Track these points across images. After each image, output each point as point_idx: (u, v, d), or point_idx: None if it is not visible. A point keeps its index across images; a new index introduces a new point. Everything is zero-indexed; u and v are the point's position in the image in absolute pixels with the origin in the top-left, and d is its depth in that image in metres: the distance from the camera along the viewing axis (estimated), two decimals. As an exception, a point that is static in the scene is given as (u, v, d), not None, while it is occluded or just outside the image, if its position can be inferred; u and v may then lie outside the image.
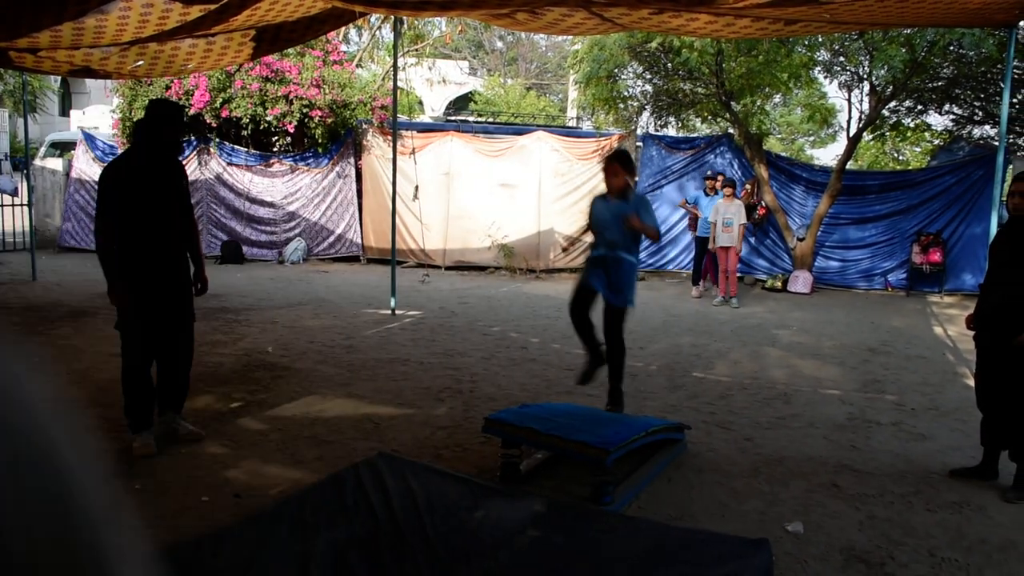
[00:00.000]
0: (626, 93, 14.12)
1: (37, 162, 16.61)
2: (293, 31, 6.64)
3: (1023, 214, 4.51)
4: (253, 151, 14.72)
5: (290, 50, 13.74)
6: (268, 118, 13.86)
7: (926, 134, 15.67)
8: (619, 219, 5.32)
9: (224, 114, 13.89)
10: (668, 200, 14.05)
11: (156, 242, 4.73)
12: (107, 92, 16.22)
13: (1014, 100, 12.27)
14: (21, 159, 16.44)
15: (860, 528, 4.02)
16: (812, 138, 28.66)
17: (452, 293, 11.66)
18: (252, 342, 7.87)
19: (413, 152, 14.15)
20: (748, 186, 13.07)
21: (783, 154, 19.27)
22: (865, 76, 12.63)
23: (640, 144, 14.35)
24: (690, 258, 13.90)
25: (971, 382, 5.39)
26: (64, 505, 0.45)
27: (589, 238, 5.68)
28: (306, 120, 13.99)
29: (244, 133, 14.27)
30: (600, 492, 4.10)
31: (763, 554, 3.37)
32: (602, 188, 5.59)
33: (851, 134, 13.23)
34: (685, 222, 13.85)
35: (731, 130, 13.70)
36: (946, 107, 13.42)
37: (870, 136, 14.46)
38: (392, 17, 12.80)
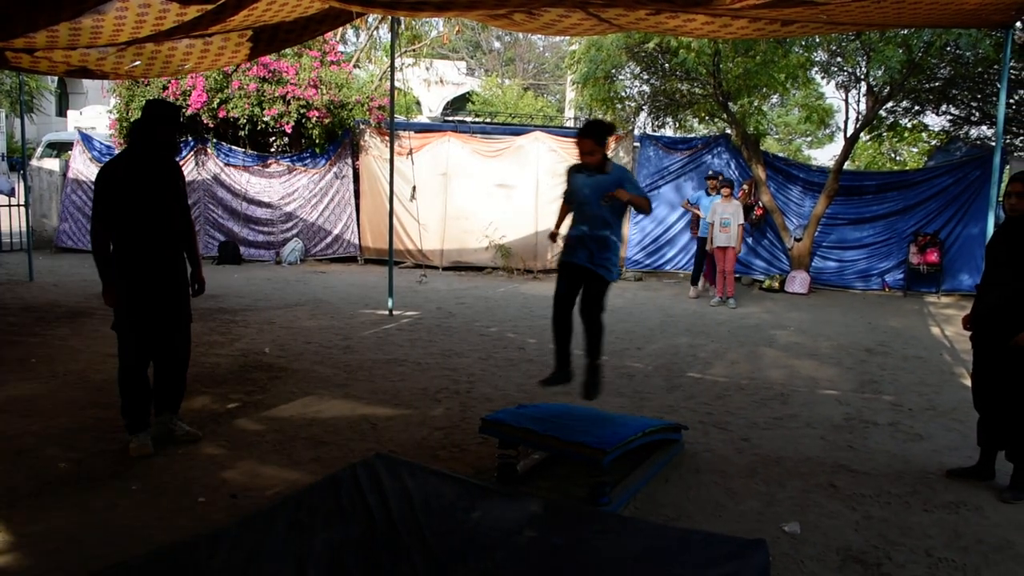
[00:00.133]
0: (623, 93, 14.12)
1: (34, 162, 16.59)
2: (290, 31, 6.64)
3: (1020, 214, 4.51)
4: (250, 151, 14.70)
5: (287, 50, 13.74)
6: (265, 118, 13.85)
7: (923, 135, 15.68)
8: (600, 194, 4.95)
9: (221, 114, 13.88)
10: (665, 200, 14.05)
11: (153, 243, 4.73)
12: (104, 92, 16.24)
13: (1011, 100, 12.30)
14: (18, 159, 16.43)
15: (857, 528, 4.03)
16: (809, 138, 28.70)
17: (449, 293, 11.65)
18: (249, 343, 7.86)
19: (410, 152, 14.14)
20: (745, 186, 13.07)
21: (780, 154, 19.28)
22: (862, 77, 12.64)
23: (637, 144, 14.35)
24: (687, 258, 13.92)
25: (968, 382, 5.39)
26: None
27: None
28: (303, 120, 13.98)
29: (241, 133, 14.25)
30: (597, 493, 4.10)
31: (760, 554, 3.37)
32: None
33: (848, 135, 13.24)
34: (683, 222, 13.87)
35: (728, 130, 13.70)
36: (943, 108, 13.44)
37: (867, 136, 14.48)
38: (389, 17, 12.81)
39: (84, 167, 15.13)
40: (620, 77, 13.95)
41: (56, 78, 29.27)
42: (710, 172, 12.73)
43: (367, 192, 14.72)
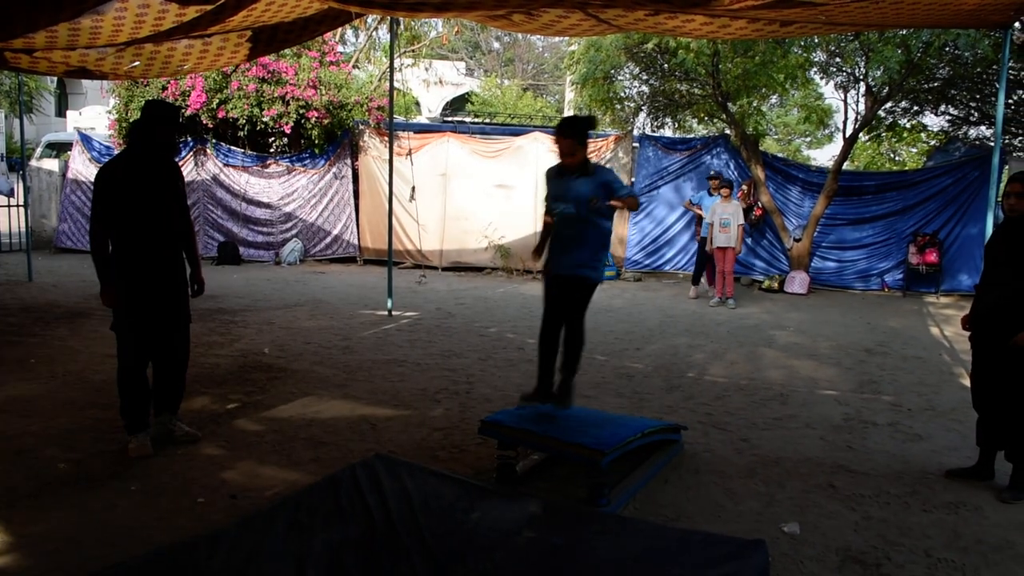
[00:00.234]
0: (623, 94, 14.13)
1: (33, 163, 16.58)
2: (289, 32, 6.64)
3: (1019, 214, 4.51)
4: (250, 152, 14.71)
5: (287, 51, 13.75)
6: (265, 119, 13.86)
7: (922, 135, 15.69)
8: (586, 199, 4.57)
9: (221, 115, 13.88)
10: (665, 201, 14.05)
11: (152, 243, 4.73)
12: (103, 93, 16.24)
13: (1009, 101, 12.31)
14: (17, 160, 16.43)
15: (856, 529, 4.03)
16: (809, 139, 28.70)
17: (449, 294, 11.65)
18: (248, 343, 7.86)
19: (410, 153, 14.14)
20: (744, 187, 13.08)
21: (780, 155, 19.29)
22: (861, 77, 12.65)
23: (636, 145, 14.35)
24: (686, 259, 13.93)
25: (967, 382, 5.39)
26: None
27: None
28: (303, 121, 13.99)
29: (241, 134, 14.26)
30: (596, 493, 4.10)
31: (759, 555, 3.37)
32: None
33: (847, 135, 13.24)
34: (682, 222, 13.87)
35: (727, 131, 13.71)
36: (942, 108, 13.45)
37: (866, 137, 14.49)
38: (388, 18, 12.81)
39: (83, 167, 15.13)
40: (619, 78, 13.96)
41: (55, 78, 29.27)
42: (712, 172, 12.73)
43: (366, 192, 14.72)
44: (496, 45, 41.02)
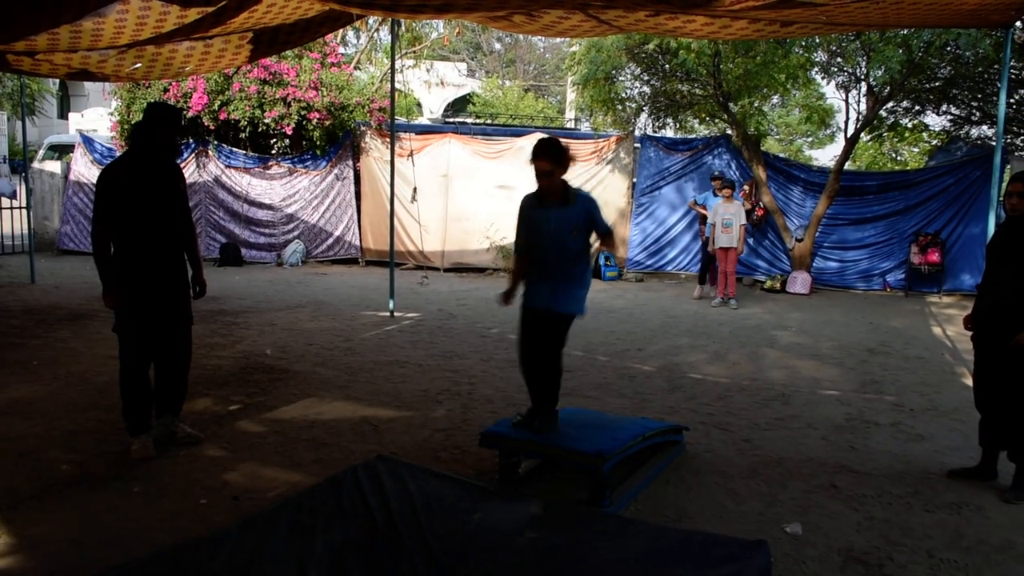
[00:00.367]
0: (624, 94, 14.12)
1: (36, 165, 16.61)
2: (291, 33, 6.65)
3: (1020, 214, 4.51)
4: (251, 153, 14.72)
5: (288, 52, 13.75)
6: (266, 120, 13.87)
7: (924, 134, 15.68)
8: (565, 231, 4.38)
9: (222, 116, 13.90)
10: (666, 201, 14.05)
11: (154, 245, 4.73)
12: (105, 95, 16.24)
13: (1011, 100, 12.29)
14: (20, 162, 16.41)
15: (858, 529, 4.02)
16: (810, 139, 28.66)
17: (451, 295, 11.66)
18: (250, 344, 7.86)
19: (411, 154, 14.16)
20: (746, 187, 13.07)
21: (781, 155, 19.28)
22: (862, 77, 12.64)
23: (638, 145, 14.36)
24: (688, 259, 13.93)
25: (970, 382, 5.39)
26: None
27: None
28: (304, 122, 14.00)
29: (242, 135, 14.28)
30: (598, 494, 4.10)
31: (762, 555, 3.37)
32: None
33: (849, 135, 13.23)
34: (684, 223, 13.87)
35: (729, 131, 13.70)
36: (943, 107, 13.43)
37: (868, 137, 14.47)
38: (390, 19, 12.81)
39: (85, 169, 15.15)
40: (620, 78, 13.95)
41: (57, 80, 29.32)
42: (716, 172, 12.72)
43: (368, 194, 14.73)
44: (497, 46, 41.03)
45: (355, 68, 18.12)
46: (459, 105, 32.87)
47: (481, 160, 14.31)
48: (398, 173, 12.90)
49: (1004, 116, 7.40)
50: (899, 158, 20.49)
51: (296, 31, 6.59)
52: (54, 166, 16.28)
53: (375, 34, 19.84)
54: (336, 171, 14.73)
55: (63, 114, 32.31)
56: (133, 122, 12.85)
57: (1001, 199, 5.30)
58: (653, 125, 15.00)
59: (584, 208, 4.43)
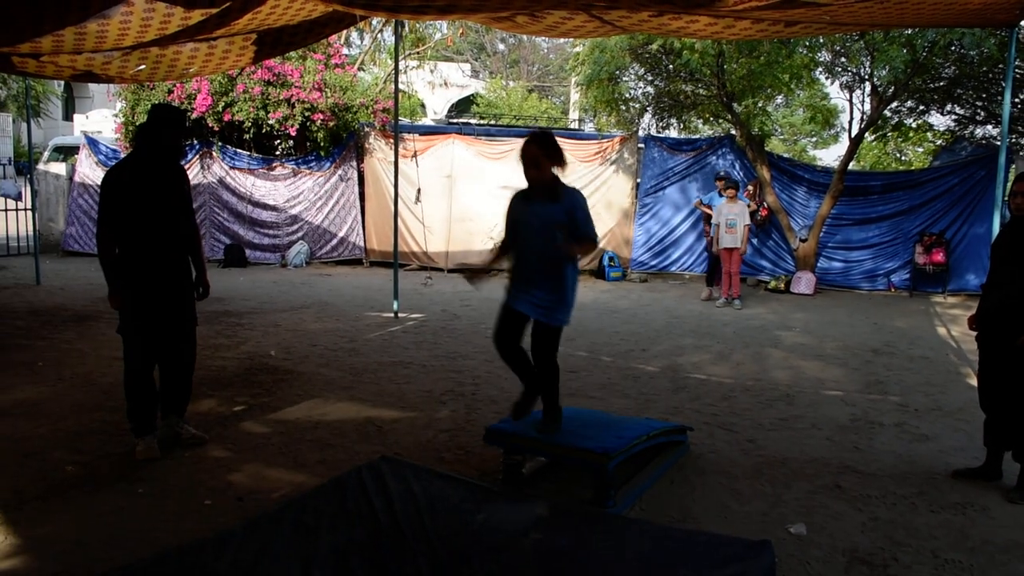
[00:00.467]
0: (628, 95, 14.12)
1: (41, 166, 16.65)
2: (294, 35, 6.66)
3: (1025, 214, 4.50)
4: (255, 155, 14.75)
5: (292, 53, 13.77)
6: (270, 122, 13.89)
7: (928, 134, 15.64)
8: (549, 228, 4.17)
9: (226, 118, 13.92)
10: (670, 202, 14.04)
11: (158, 246, 4.74)
12: (110, 96, 16.25)
13: (1016, 100, 12.25)
14: (25, 164, 16.47)
15: (863, 529, 4.02)
16: (815, 139, 28.63)
17: (454, 296, 11.66)
18: (255, 346, 7.88)
19: (415, 155, 14.16)
20: (750, 187, 13.05)
21: (785, 155, 19.26)
22: (867, 77, 12.62)
23: (642, 146, 14.35)
24: (693, 259, 13.92)
25: (974, 382, 5.38)
26: None
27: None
28: (308, 123, 14.01)
29: (246, 137, 14.30)
30: (603, 495, 4.10)
31: (766, 556, 3.37)
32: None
33: (853, 135, 13.21)
34: (688, 223, 13.86)
35: (733, 131, 13.69)
36: (948, 107, 13.39)
37: (872, 137, 14.44)
38: (393, 20, 12.83)
39: (90, 171, 15.19)
40: (624, 79, 13.95)
41: (62, 82, 29.41)
42: (721, 173, 12.71)
43: (372, 195, 14.74)
44: (501, 47, 41.08)
45: (359, 69, 18.14)
46: (463, 106, 32.92)
47: (485, 161, 14.31)
48: (402, 174, 12.90)
49: (1009, 115, 7.38)
50: (903, 158, 20.46)
51: (300, 32, 6.60)
52: (59, 168, 16.32)
53: (379, 35, 19.88)
54: (340, 172, 14.75)
55: (68, 116, 32.40)
56: (138, 124, 12.89)
57: (1006, 199, 5.29)
58: (657, 125, 14.99)
59: (570, 204, 4.25)
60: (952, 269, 12.55)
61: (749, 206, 11.83)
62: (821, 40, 11.87)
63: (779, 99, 16.27)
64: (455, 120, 25.35)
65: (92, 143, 15.61)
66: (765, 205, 13.11)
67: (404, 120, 19.21)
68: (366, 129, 14.63)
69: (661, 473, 4.67)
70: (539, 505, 3.93)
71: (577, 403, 5.99)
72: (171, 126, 4.73)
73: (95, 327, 8.55)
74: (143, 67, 7.17)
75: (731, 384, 6.91)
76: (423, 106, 29.10)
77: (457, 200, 14.40)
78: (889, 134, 14.38)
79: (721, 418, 5.88)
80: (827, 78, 13.60)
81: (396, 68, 10.60)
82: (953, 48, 11.29)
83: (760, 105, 12.86)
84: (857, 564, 3.65)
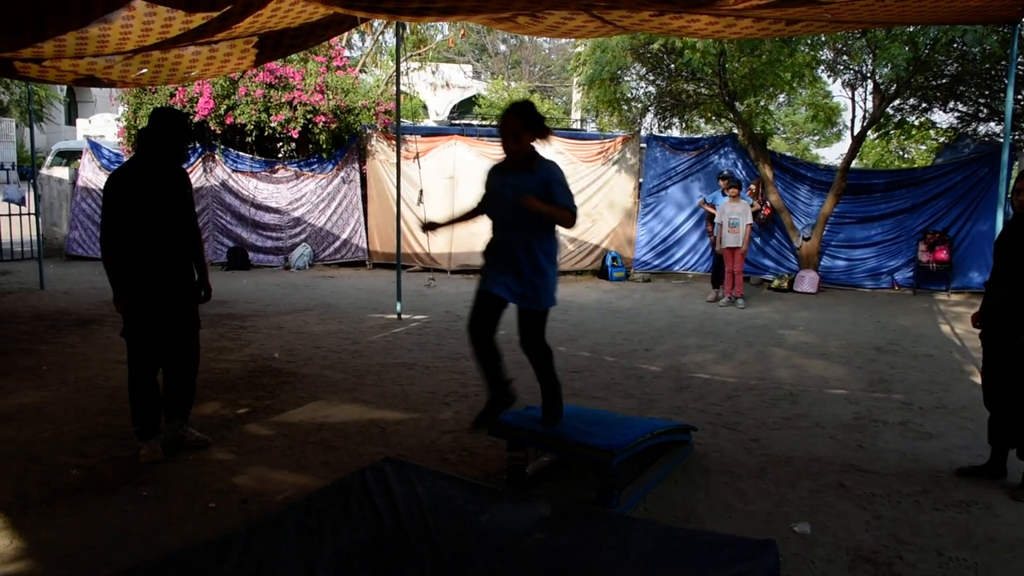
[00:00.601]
0: (629, 95, 14.13)
1: (44, 171, 16.68)
2: (296, 37, 6.67)
3: (1028, 211, 4.50)
4: (258, 157, 14.76)
5: (293, 56, 13.79)
6: (272, 124, 13.90)
7: (931, 132, 15.62)
8: (520, 202, 3.96)
9: (228, 121, 13.93)
10: (673, 201, 14.04)
11: (160, 250, 4.75)
12: (112, 100, 16.29)
13: (1018, 96, 12.24)
14: (28, 168, 16.50)
15: (867, 528, 4.01)
16: (817, 137, 28.59)
17: (458, 297, 11.66)
18: (258, 348, 7.89)
19: (417, 156, 14.17)
20: (753, 186, 13.04)
21: (788, 154, 19.21)
22: (869, 74, 12.61)
23: (644, 145, 14.34)
24: (696, 259, 13.91)
25: (978, 380, 5.37)
26: None
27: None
28: (310, 126, 14.02)
29: (249, 139, 14.31)
30: (606, 494, 4.10)
31: (770, 555, 3.36)
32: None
33: (855, 133, 13.19)
34: (691, 222, 13.85)
35: (735, 130, 13.68)
36: (951, 104, 13.37)
37: (875, 135, 14.43)
38: (394, 22, 12.84)
39: (93, 175, 15.21)
40: (626, 78, 13.97)
41: (65, 87, 29.48)
42: (725, 171, 12.69)
43: (374, 196, 14.75)
44: (503, 48, 41.09)
45: (360, 71, 18.15)
46: (465, 107, 32.93)
47: (487, 162, 14.11)
48: (404, 175, 12.91)
49: (1011, 112, 7.37)
50: (906, 156, 20.42)
51: (301, 35, 6.61)
52: (62, 172, 16.35)
53: (380, 37, 19.88)
54: (342, 174, 14.76)
55: (71, 120, 32.49)
56: (140, 127, 12.90)
57: (1009, 196, 5.28)
58: (659, 125, 15.00)
59: (545, 175, 4.05)
60: (955, 267, 12.53)
61: (752, 205, 11.82)
62: (823, 38, 11.87)
63: (781, 98, 16.29)
64: (457, 121, 25.36)
65: (95, 147, 15.63)
66: (768, 204, 13.10)
67: (406, 122, 19.23)
68: (368, 131, 14.64)
69: (665, 473, 4.67)
70: (543, 505, 3.92)
71: (580, 403, 6.00)
72: (172, 130, 4.74)
73: (99, 331, 8.56)
74: (145, 71, 7.18)
75: (735, 383, 6.90)
76: (425, 107, 29.12)
77: (459, 201, 14.38)
78: (892, 132, 14.37)
79: (725, 417, 5.87)
80: (829, 76, 13.60)
81: (398, 70, 10.61)
82: (955, 45, 11.28)
83: (762, 104, 12.86)
84: (861, 562, 3.64)
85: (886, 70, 11.60)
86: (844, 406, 6.25)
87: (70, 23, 5.05)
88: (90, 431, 5.28)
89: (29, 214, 14.18)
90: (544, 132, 4.14)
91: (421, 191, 14.25)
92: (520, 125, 4.06)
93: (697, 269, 13.88)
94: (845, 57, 12.78)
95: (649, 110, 14.65)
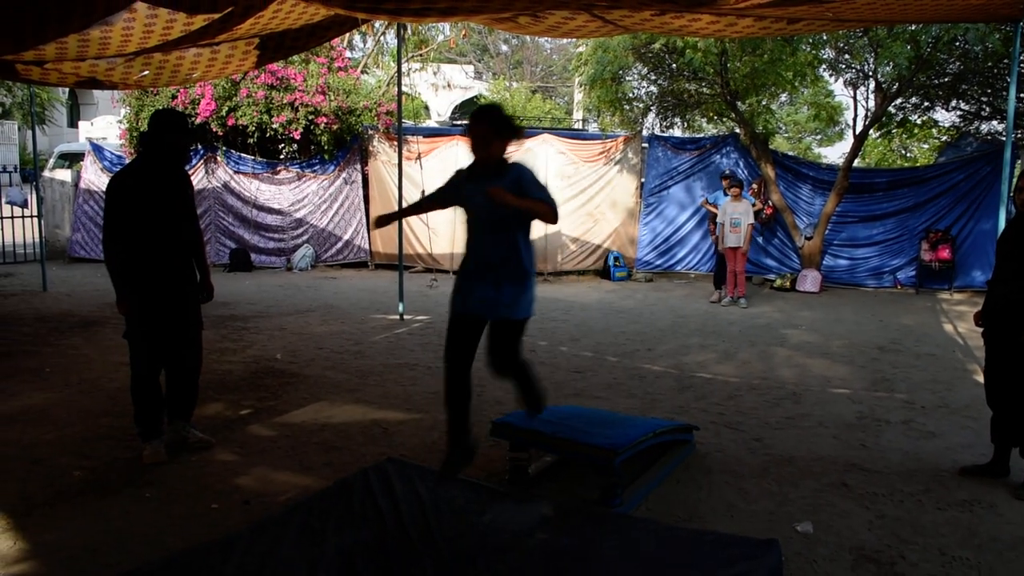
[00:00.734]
0: (631, 94, 14.11)
1: (46, 173, 16.70)
2: (297, 38, 6.66)
3: (1030, 209, 4.49)
4: (260, 159, 14.77)
5: (295, 57, 13.79)
6: (274, 126, 13.91)
7: (933, 130, 15.60)
8: (499, 208, 3.73)
9: (230, 122, 13.95)
10: (675, 201, 14.03)
11: (162, 251, 4.76)
12: (114, 102, 16.32)
13: (1021, 95, 12.19)
14: (30, 171, 16.54)
15: (870, 527, 4.01)
16: (819, 136, 28.59)
17: (460, 297, 11.64)
18: (261, 349, 7.89)
19: (419, 157, 14.18)
20: (755, 185, 13.03)
21: (790, 153, 19.21)
22: (871, 73, 12.60)
23: (646, 145, 14.34)
24: (699, 258, 13.91)
25: (981, 379, 5.36)
26: None
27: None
28: (312, 127, 14.04)
29: (250, 141, 14.32)
30: (609, 494, 4.10)
31: (773, 555, 3.36)
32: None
33: (858, 132, 13.18)
34: (693, 222, 13.85)
35: (737, 130, 13.67)
36: (953, 103, 13.35)
37: (877, 133, 14.41)
38: (395, 23, 12.84)
39: (95, 177, 15.23)
40: (627, 78, 13.95)
41: (67, 89, 29.52)
42: (727, 171, 12.68)
43: (376, 197, 14.76)
44: (504, 48, 41.10)
45: (362, 72, 18.16)
46: (466, 107, 32.89)
47: (489, 162, 14.29)
48: (406, 176, 12.92)
49: (1014, 111, 7.36)
50: (908, 155, 20.40)
51: (302, 36, 6.60)
52: (64, 175, 16.38)
53: (381, 38, 19.89)
54: (344, 175, 14.77)
55: (73, 123, 32.56)
56: (142, 130, 12.93)
57: (1011, 194, 5.27)
58: (661, 125, 14.99)
59: (516, 175, 3.79)
60: (958, 266, 12.50)
61: (754, 205, 11.81)
62: (824, 37, 11.86)
63: (783, 97, 16.26)
64: (459, 122, 25.35)
65: (97, 149, 15.66)
66: (770, 203, 13.10)
67: (408, 122, 19.23)
68: (370, 132, 14.65)
69: (667, 472, 4.66)
70: (545, 505, 3.93)
71: (582, 403, 6.00)
72: (173, 131, 4.74)
73: (101, 333, 8.57)
74: (146, 73, 7.19)
75: (737, 383, 6.90)
76: (427, 108, 29.13)
77: (461, 202, 14.38)
78: (894, 131, 14.35)
79: (727, 417, 5.87)
80: (831, 75, 13.58)
81: (399, 70, 10.62)
82: (957, 44, 11.27)
83: (764, 103, 12.84)
84: (864, 562, 3.64)
85: (888, 69, 11.58)
86: (847, 405, 6.24)
87: (71, 25, 5.05)
88: (93, 433, 5.29)
89: (31, 216, 14.20)
90: (516, 134, 3.95)
91: (423, 192, 14.23)
92: (490, 131, 3.85)
93: (699, 269, 13.88)
94: (847, 56, 12.77)
95: (651, 110, 14.64)
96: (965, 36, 10.55)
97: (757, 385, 6.83)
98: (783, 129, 25.91)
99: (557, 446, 4.40)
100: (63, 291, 11.64)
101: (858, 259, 13.29)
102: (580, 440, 4.24)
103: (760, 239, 13.32)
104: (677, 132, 15.65)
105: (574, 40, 18.06)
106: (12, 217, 14.47)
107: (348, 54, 17.25)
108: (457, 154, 14.29)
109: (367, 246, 14.91)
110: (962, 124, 14.13)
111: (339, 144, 14.58)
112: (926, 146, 18.65)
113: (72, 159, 19.22)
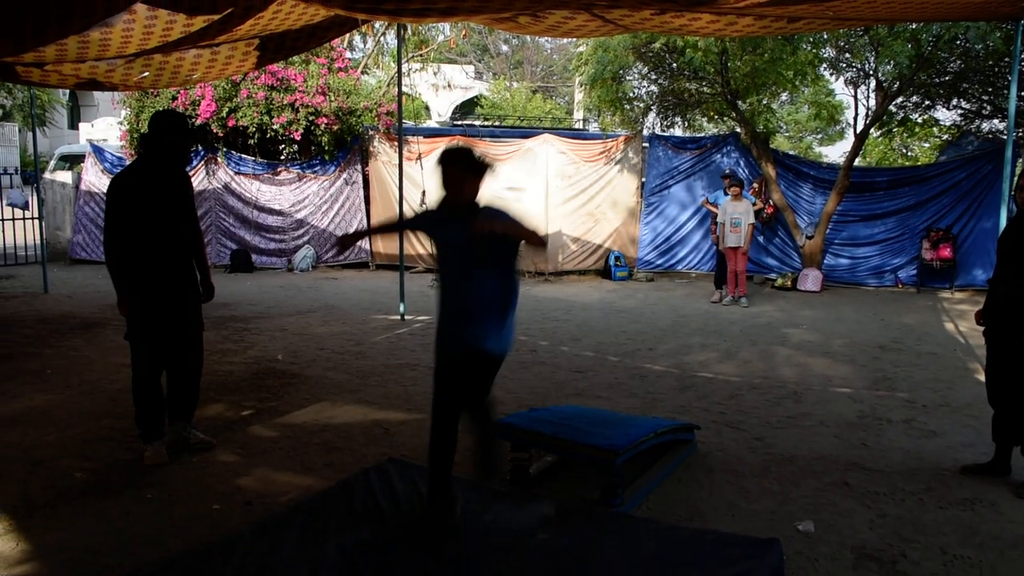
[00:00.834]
0: (631, 94, 14.11)
1: (47, 175, 16.71)
2: (297, 39, 6.66)
3: (1031, 208, 4.49)
4: (260, 160, 14.77)
5: (295, 58, 13.80)
6: (274, 126, 13.91)
7: (934, 129, 15.59)
8: (477, 245, 3.53)
9: (231, 123, 13.95)
10: (676, 200, 14.03)
11: (163, 252, 4.76)
12: (115, 104, 16.33)
13: (1022, 93, 12.17)
14: (31, 173, 16.55)
15: (871, 526, 4.01)
16: (820, 135, 28.59)
17: (461, 297, 11.64)
18: (262, 350, 7.89)
19: (419, 157, 14.17)
20: (756, 185, 13.03)
21: (790, 152, 19.20)
22: (871, 72, 12.59)
23: (647, 145, 14.34)
24: (699, 258, 13.91)
25: (982, 378, 5.36)
26: None
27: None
28: (312, 128, 14.04)
29: (251, 142, 14.32)
30: (610, 494, 4.10)
31: (774, 554, 3.36)
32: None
33: (858, 131, 13.18)
34: (694, 221, 13.84)
35: (738, 129, 13.67)
36: (954, 102, 13.33)
37: (878, 132, 14.40)
38: (395, 23, 12.84)
39: (96, 179, 15.23)
40: (628, 78, 13.95)
41: (67, 91, 29.55)
42: (727, 170, 12.67)
43: (377, 198, 14.76)
44: (505, 48, 41.12)
45: (362, 72, 18.17)
46: (467, 108, 32.96)
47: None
48: (407, 177, 12.91)
49: (1015, 109, 7.37)
50: (909, 153, 20.38)
51: (302, 37, 6.60)
52: (65, 176, 16.39)
53: (382, 38, 19.90)
54: (345, 176, 14.77)
55: (73, 124, 32.59)
56: (142, 131, 12.93)
57: (1013, 193, 5.27)
58: (661, 124, 14.98)
59: (492, 215, 3.58)
60: (959, 264, 12.49)
61: (755, 204, 11.80)
62: (825, 36, 11.85)
63: (784, 96, 16.24)
64: (459, 122, 25.36)
65: (97, 151, 15.66)
66: (771, 202, 13.09)
67: (408, 123, 19.24)
68: (370, 132, 14.66)
69: (669, 472, 4.66)
70: (546, 505, 3.93)
71: (584, 403, 6.00)
72: (173, 132, 4.74)
73: (103, 334, 8.58)
74: (147, 74, 7.19)
75: (738, 382, 6.90)
76: (427, 108, 29.14)
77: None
78: (895, 130, 14.33)
79: (728, 416, 5.87)
80: (831, 74, 13.56)
81: (399, 71, 10.62)
82: (958, 42, 11.26)
83: (764, 102, 12.83)
84: (865, 561, 3.64)
85: (889, 67, 11.57)
86: (848, 404, 6.24)
87: (71, 27, 5.06)
88: (94, 434, 5.30)
89: (33, 218, 14.22)
90: (487, 169, 3.77)
91: (424, 192, 14.23)
92: (466, 170, 3.68)
93: (700, 268, 13.87)
94: (847, 55, 12.75)
95: (651, 109, 14.63)
96: (966, 35, 10.54)
97: (758, 384, 6.83)
98: (784, 128, 25.90)
99: (558, 446, 4.40)
100: (64, 293, 11.65)
101: (859, 258, 13.28)
102: (581, 441, 4.24)
103: (761, 238, 13.31)
104: (678, 131, 15.65)
105: (574, 40, 18.07)
106: (13, 219, 14.50)
107: (348, 55, 17.27)
108: (457, 154, 14.29)
109: (368, 247, 14.92)
110: (963, 123, 14.12)
111: (340, 145, 14.58)
112: (927, 145, 18.63)
113: (73, 161, 19.24)
